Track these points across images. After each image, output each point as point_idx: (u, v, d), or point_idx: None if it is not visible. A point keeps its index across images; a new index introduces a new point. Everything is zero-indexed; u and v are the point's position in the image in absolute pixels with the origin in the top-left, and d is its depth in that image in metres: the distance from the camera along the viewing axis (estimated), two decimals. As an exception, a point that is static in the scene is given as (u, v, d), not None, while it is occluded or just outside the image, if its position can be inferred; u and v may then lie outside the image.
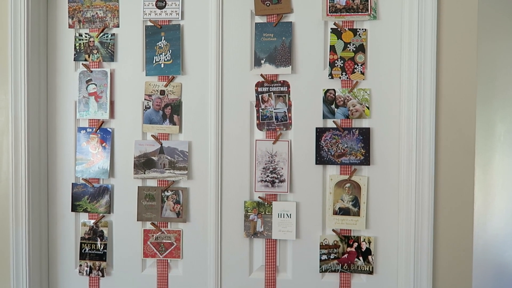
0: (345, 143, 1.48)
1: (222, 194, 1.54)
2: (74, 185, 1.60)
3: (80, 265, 1.60)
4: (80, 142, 1.59)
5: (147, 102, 1.56)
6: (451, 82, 1.39)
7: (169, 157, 1.55)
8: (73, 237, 1.62)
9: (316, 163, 1.49)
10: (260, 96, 1.52)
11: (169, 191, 1.56)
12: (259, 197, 1.53)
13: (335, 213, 1.49)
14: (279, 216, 1.51)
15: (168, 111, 1.55)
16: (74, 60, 1.60)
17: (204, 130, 1.54)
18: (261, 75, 1.51)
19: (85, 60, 1.59)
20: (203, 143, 1.55)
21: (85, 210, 1.60)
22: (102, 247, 1.58)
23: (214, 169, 1.53)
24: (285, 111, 1.51)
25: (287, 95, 1.51)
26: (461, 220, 1.39)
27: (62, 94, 1.62)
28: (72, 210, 1.61)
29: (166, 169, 1.55)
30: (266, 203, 1.52)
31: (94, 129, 1.58)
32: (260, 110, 1.52)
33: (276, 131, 1.51)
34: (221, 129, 1.54)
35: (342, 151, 1.48)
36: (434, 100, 1.38)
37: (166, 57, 1.55)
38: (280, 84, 1.51)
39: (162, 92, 1.55)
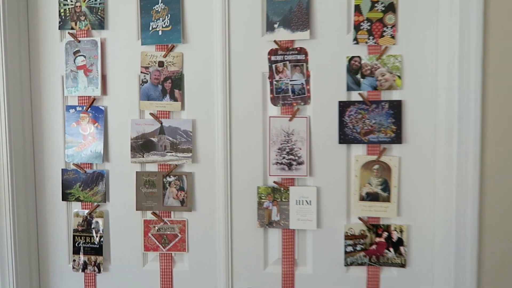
0: (373, 119, 1.29)
1: (232, 179, 1.36)
2: (64, 171, 1.42)
3: (74, 260, 1.43)
4: (69, 123, 1.41)
5: (144, 76, 1.36)
6: (502, 42, 1.19)
7: (170, 138, 1.37)
8: (65, 229, 1.45)
9: (340, 142, 1.31)
10: (273, 66, 1.33)
11: (171, 176, 1.38)
12: (274, 181, 1.35)
13: (361, 198, 1.31)
14: (298, 203, 1.34)
15: (168, 85, 1.36)
16: (59, 29, 1.41)
17: (210, 106, 1.36)
18: (275, 41, 1.31)
19: (72, 28, 1.39)
20: (209, 122, 1.36)
21: (77, 199, 1.42)
22: (98, 239, 1.42)
23: (222, 150, 1.35)
24: (302, 83, 1.32)
25: (304, 64, 1.31)
26: None
27: (47, 69, 1.43)
28: (62, 199, 1.43)
29: (167, 152, 1.37)
30: (282, 189, 1.34)
31: (84, 107, 1.39)
32: (274, 83, 1.33)
33: (293, 106, 1.32)
34: (230, 105, 1.35)
35: (370, 127, 1.29)
36: (481, 65, 1.18)
37: (164, 23, 1.35)
38: (296, 52, 1.32)
39: (161, 64, 1.36)
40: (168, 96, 1.36)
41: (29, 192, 1.44)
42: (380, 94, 1.29)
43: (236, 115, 1.35)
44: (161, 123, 1.37)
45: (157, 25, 1.35)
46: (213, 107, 1.36)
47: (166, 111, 1.37)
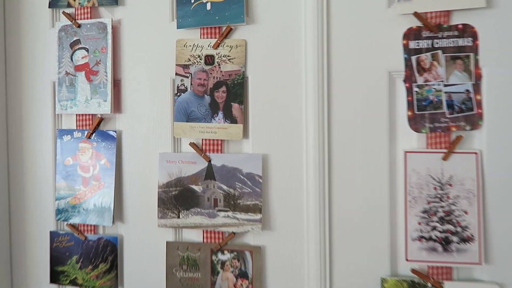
0: None
1: (333, 263, 0.77)
2: (53, 236, 0.89)
3: None
4: (63, 157, 0.88)
5: (181, 80, 0.82)
6: None
7: (225, 187, 0.81)
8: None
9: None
10: (413, 59, 0.74)
11: (226, 252, 0.82)
12: (413, 270, 0.74)
13: None
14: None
15: (222, 96, 0.81)
16: (49, 7, 0.90)
17: (293, 132, 0.78)
18: (415, 14, 0.72)
19: (68, 5, 0.89)
20: (293, 159, 0.79)
21: (73, 283, 0.88)
22: None
23: (315, 211, 0.77)
24: (468, 90, 0.73)
25: (472, 55, 0.72)
26: None
27: (31, 71, 0.92)
28: (51, 282, 0.90)
29: (219, 210, 0.81)
30: (430, 285, 0.76)
31: (86, 132, 0.87)
32: (415, 90, 0.74)
33: (450, 131, 0.72)
34: (328, 130, 0.78)
35: None
36: None
37: None
38: (457, 33, 0.72)
39: (209, 60, 0.81)
40: (221, 115, 0.81)
41: (2, 271, 0.93)
42: None
43: (340, 149, 0.76)
44: (209, 161, 0.82)
45: None
46: (300, 134, 0.78)
47: (217, 139, 0.81)
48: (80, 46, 0.87)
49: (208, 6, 0.80)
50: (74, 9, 0.88)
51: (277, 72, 0.79)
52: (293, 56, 0.78)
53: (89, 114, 0.87)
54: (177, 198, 0.82)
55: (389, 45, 0.75)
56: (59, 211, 0.88)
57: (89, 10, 0.87)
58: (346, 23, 0.77)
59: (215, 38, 0.81)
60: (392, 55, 0.75)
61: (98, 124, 0.87)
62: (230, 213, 0.80)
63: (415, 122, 0.74)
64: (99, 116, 0.87)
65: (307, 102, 0.78)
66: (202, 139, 0.82)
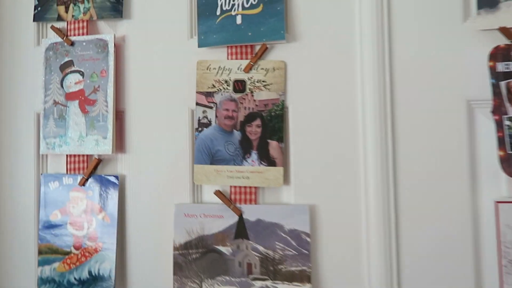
0: None
1: None
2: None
3: None
4: (49, 210, 0.69)
5: (204, 112, 0.66)
6: None
7: (261, 248, 0.63)
8: None
9: None
10: (503, 85, 0.58)
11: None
12: None
13: None
14: None
15: (255, 131, 0.64)
16: (34, 21, 0.73)
17: (347, 177, 0.61)
18: (502, 30, 0.57)
19: (59, 18, 0.72)
20: (348, 212, 0.61)
21: None
22: None
23: (379, 282, 0.59)
24: None
25: None
26: None
27: (9, 99, 0.73)
28: None
29: (254, 278, 0.62)
30: None
31: (79, 177, 0.69)
32: (506, 123, 0.58)
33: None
34: (394, 175, 0.61)
35: None
36: None
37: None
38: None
39: (240, 86, 0.64)
40: (254, 155, 0.63)
41: None
42: None
43: (408, 197, 0.59)
44: (241, 214, 0.64)
45: (234, 4, 0.67)
46: (357, 180, 0.61)
47: (250, 187, 0.63)
48: (73, 68, 0.69)
49: (239, 20, 0.65)
50: (66, 23, 0.71)
51: (326, 100, 0.63)
52: (346, 80, 0.63)
53: (83, 155, 0.69)
54: (199, 263, 0.64)
55: (466, 67, 0.61)
56: (42, 281, 0.68)
57: (85, 24, 0.71)
58: (412, 41, 0.61)
59: (247, 59, 0.64)
60: (471, 80, 0.60)
61: (95, 168, 0.69)
62: (269, 283, 0.62)
63: (508, 165, 0.58)
64: (97, 157, 0.69)
65: (365, 139, 0.62)
66: (231, 187, 0.64)
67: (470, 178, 0.60)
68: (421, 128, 0.62)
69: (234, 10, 0.65)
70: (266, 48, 0.64)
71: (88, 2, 0.70)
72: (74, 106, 0.69)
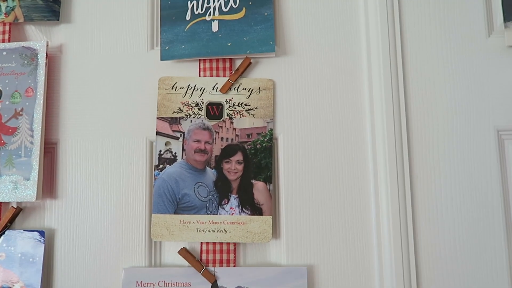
0: None
1: None
2: None
3: None
4: None
5: (167, 144, 0.50)
6: None
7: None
8: None
9: None
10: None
11: None
12: None
13: None
14: None
15: (235, 169, 0.49)
16: None
17: (354, 229, 0.48)
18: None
19: None
20: (358, 275, 0.47)
21: None
22: None
23: None
24: None
25: None
26: None
27: None
28: None
29: None
30: None
31: (-12, 234, 0.52)
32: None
33: None
34: (413, 222, 0.48)
35: None
36: None
37: (224, 1, 0.54)
38: None
39: (215, 111, 0.50)
40: (234, 200, 0.48)
41: None
42: None
43: (428, 249, 0.47)
44: (215, 281, 0.47)
45: (208, 7, 0.54)
46: (369, 231, 0.48)
47: (228, 243, 0.47)
48: (-13, 85, 0.53)
49: (215, 27, 0.51)
50: (-19, 26, 0.56)
51: (326, 130, 0.51)
52: (352, 104, 0.51)
53: (-5, 202, 0.52)
54: None
55: (493, 90, 0.51)
56: None
57: (8, 28, 0.54)
58: (428, 59, 0.51)
59: (225, 76, 0.51)
60: (500, 106, 0.51)
61: (12, 220, 0.50)
62: None
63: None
64: (15, 205, 0.51)
65: (376, 177, 0.49)
66: (202, 243, 0.48)
67: (504, 220, 0.49)
68: (442, 161, 0.50)
69: (209, 15, 0.52)
70: (250, 62, 0.51)
71: (13, 0, 0.55)
72: (-15, 135, 0.52)
